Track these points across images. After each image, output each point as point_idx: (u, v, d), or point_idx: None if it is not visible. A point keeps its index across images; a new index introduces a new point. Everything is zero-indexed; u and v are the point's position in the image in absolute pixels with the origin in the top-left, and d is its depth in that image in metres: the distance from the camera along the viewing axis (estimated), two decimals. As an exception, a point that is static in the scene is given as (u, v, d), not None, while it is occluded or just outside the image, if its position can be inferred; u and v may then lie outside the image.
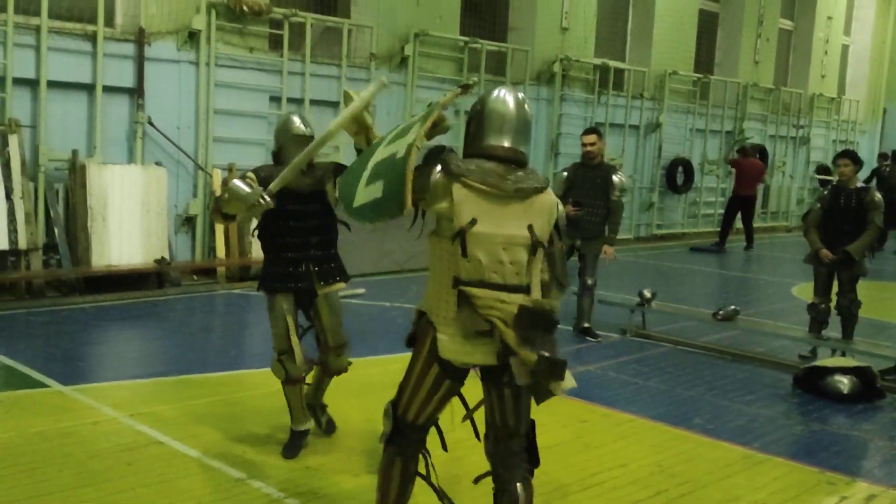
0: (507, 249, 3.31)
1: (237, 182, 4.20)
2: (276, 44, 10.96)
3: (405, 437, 3.53)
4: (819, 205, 7.67)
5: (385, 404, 3.59)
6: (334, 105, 11.48)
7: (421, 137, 3.24)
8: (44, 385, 5.90)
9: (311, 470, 4.69)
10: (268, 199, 4.15)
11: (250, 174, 4.63)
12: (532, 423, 3.52)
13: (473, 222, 3.25)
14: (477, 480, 3.58)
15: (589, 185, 7.93)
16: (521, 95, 3.47)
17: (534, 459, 3.54)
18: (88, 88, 9.37)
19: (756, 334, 8.25)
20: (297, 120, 4.89)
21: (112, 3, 9.73)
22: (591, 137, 8.00)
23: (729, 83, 18.12)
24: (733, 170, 16.14)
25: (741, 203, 15.92)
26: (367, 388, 6.17)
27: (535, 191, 3.35)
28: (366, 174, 3.43)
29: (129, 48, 9.60)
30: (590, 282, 8.00)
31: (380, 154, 3.44)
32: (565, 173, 8.20)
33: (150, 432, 5.07)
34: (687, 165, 16.92)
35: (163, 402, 5.66)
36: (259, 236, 4.87)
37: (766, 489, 4.78)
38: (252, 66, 10.67)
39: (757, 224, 17.48)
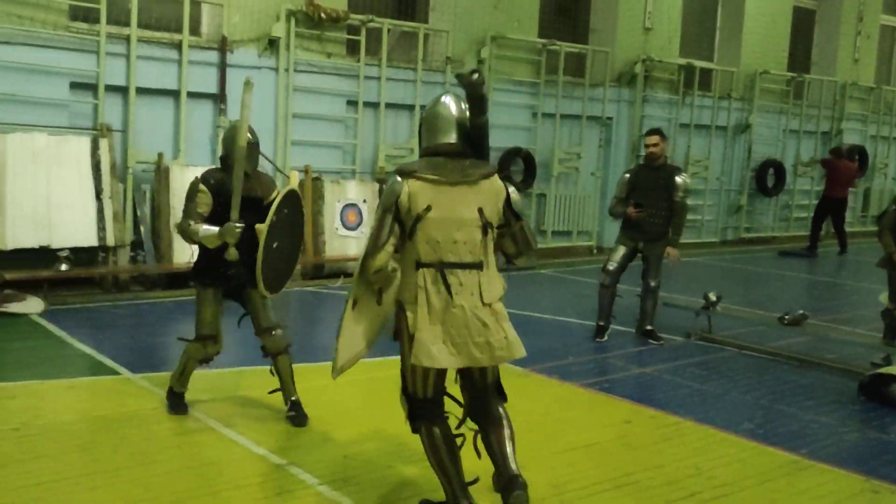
0: (461, 230, 3.83)
1: (205, 230, 4.96)
2: (353, 49, 11.25)
3: (425, 409, 3.98)
4: (895, 206, 7.38)
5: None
6: (409, 108, 11.71)
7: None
8: (115, 372, 6.29)
9: (348, 459, 4.85)
10: (238, 225, 4.83)
11: (202, 187, 5.04)
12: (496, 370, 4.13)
13: (428, 209, 3.80)
14: (459, 425, 4.08)
15: (652, 186, 7.86)
16: (461, 101, 3.98)
17: (503, 395, 4.20)
18: (174, 94, 9.87)
19: (828, 340, 7.99)
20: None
21: (198, 13, 10.22)
22: (654, 138, 7.94)
23: (826, 82, 17.48)
24: (823, 170, 15.61)
25: (832, 205, 15.34)
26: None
27: (482, 176, 3.89)
28: None
29: (213, 55, 10.06)
30: (653, 284, 7.93)
31: None
32: (627, 175, 8.16)
33: (204, 419, 5.35)
34: (779, 167, 16.41)
35: (221, 391, 5.94)
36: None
37: (805, 495, 4.67)
38: (329, 71, 11.00)
39: (855, 228, 16.81)
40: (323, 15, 10.60)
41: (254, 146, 5.17)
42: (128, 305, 8.67)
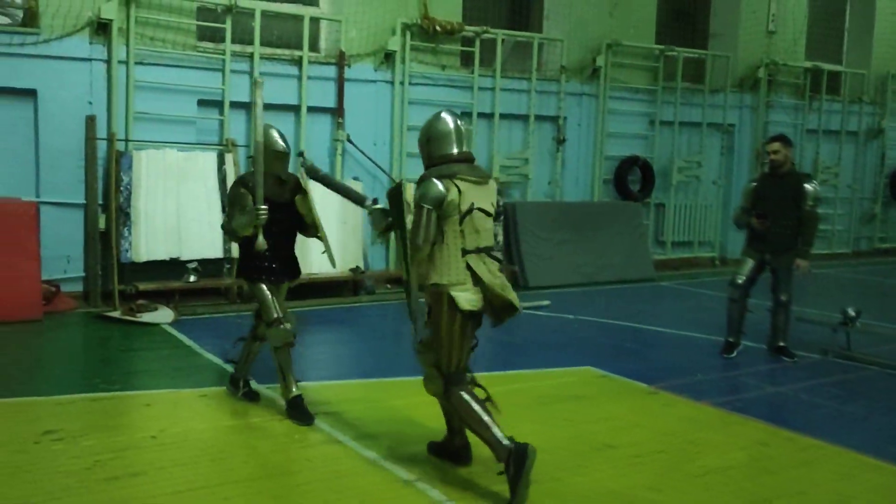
0: (487, 220, 4.60)
1: (238, 218, 5.45)
2: (467, 60, 11.26)
3: (459, 377, 4.64)
4: None
5: (427, 376, 4.75)
6: (524, 119, 11.62)
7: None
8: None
9: (475, 476, 4.77)
10: (262, 208, 5.33)
11: (243, 190, 5.49)
12: None
13: (472, 205, 4.48)
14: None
15: (778, 195, 7.49)
16: (457, 115, 4.74)
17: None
18: (294, 109, 10.10)
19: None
20: (276, 136, 5.65)
21: (316, 29, 10.44)
22: (775, 145, 7.56)
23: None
24: None
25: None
26: (540, 400, 6.20)
27: (489, 177, 4.71)
28: None
29: (331, 70, 10.25)
30: (783, 298, 7.55)
31: None
32: (753, 184, 7.81)
33: (331, 431, 5.37)
34: (917, 174, 15.50)
35: (346, 404, 5.96)
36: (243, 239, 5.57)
37: (968, 530, 4.30)
38: (444, 83, 11.04)
39: None
40: (438, 27, 10.65)
41: (285, 155, 5.65)
42: (251, 316, 8.85)
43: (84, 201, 8.91)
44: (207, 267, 9.29)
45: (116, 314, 8.38)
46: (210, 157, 9.37)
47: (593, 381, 6.85)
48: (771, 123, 13.96)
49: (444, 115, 4.73)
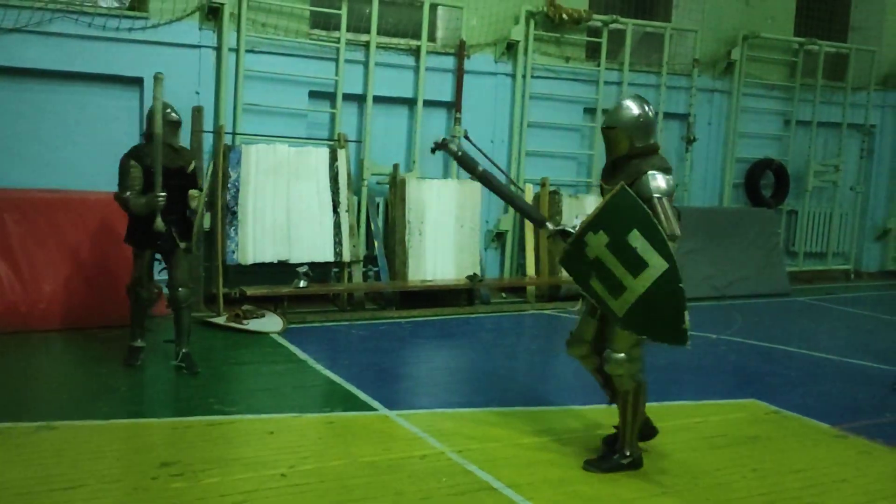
0: None
1: (135, 200, 5.96)
2: (593, 52, 10.40)
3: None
4: None
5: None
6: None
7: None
8: (370, 407, 5.71)
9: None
10: (160, 195, 5.87)
11: (133, 162, 5.99)
12: None
13: None
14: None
15: None
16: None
17: None
18: (409, 103, 9.40)
19: None
20: (168, 109, 6.06)
21: (435, 17, 9.72)
22: None
23: None
24: None
25: None
26: (712, 441, 5.35)
27: None
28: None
29: (450, 61, 9.52)
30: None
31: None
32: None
33: (481, 475, 4.62)
34: None
35: (490, 438, 5.20)
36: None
37: None
38: (567, 76, 10.21)
39: None
40: (564, 16, 9.82)
41: (176, 123, 6.14)
42: (365, 325, 8.20)
43: (189, 198, 8.36)
44: (317, 271, 8.65)
45: (221, 321, 7.80)
46: (322, 153, 8.73)
47: (766, 419, 5.95)
48: (917, 125, 12.75)
49: (642, 102, 4.67)
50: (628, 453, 4.72)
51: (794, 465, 5.01)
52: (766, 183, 11.60)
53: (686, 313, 4.31)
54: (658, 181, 4.46)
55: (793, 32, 11.78)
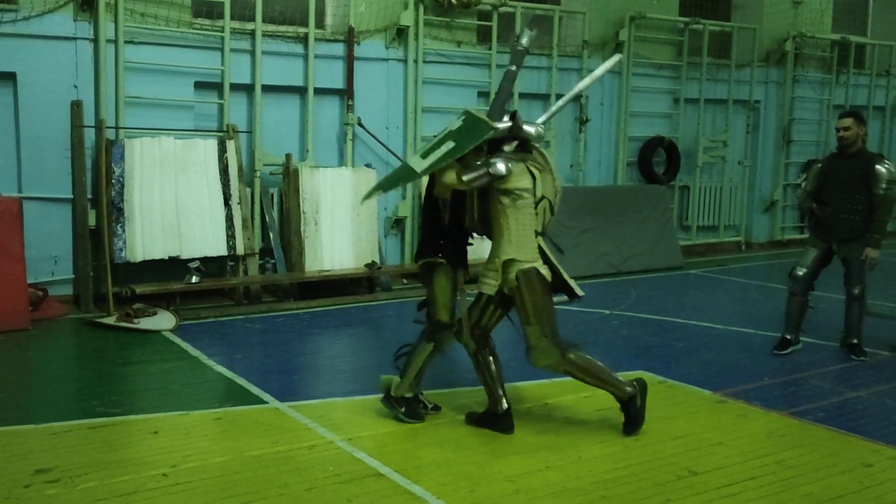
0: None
1: None
2: (484, 36, 10.46)
3: (565, 344, 5.00)
4: None
5: (542, 349, 4.89)
6: (544, 98, 10.84)
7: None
8: (261, 401, 5.65)
9: (548, 517, 4.05)
10: None
11: None
12: None
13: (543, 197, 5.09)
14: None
15: (846, 177, 6.77)
16: None
17: None
18: (300, 91, 9.29)
19: None
20: None
21: (322, 4, 9.61)
22: (845, 121, 6.81)
23: None
24: None
25: None
26: (601, 414, 5.47)
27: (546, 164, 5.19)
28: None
29: (339, 48, 9.44)
30: (856, 291, 6.85)
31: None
32: (819, 164, 7.09)
33: (370, 462, 4.63)
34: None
35: (381, 426, 5.22)
36: None
37: None
38: (460, 60, 10.25)
39: None
40: (453, 1, 9.83)
41: None
42: (261, 319, 8.10)
43: (72, 196, 8.09)
44: (210, 266, 8.49)
45: (111, 320, 7.58)
46: (210, 145, 8.55)
47: (652, 390, 6.05)
48: (797, 99, 13.27)
49: None
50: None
51: (676, 432, 5.18)
52: (658, 160, 11.91)
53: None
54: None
55: (678, 12, 12.09)
